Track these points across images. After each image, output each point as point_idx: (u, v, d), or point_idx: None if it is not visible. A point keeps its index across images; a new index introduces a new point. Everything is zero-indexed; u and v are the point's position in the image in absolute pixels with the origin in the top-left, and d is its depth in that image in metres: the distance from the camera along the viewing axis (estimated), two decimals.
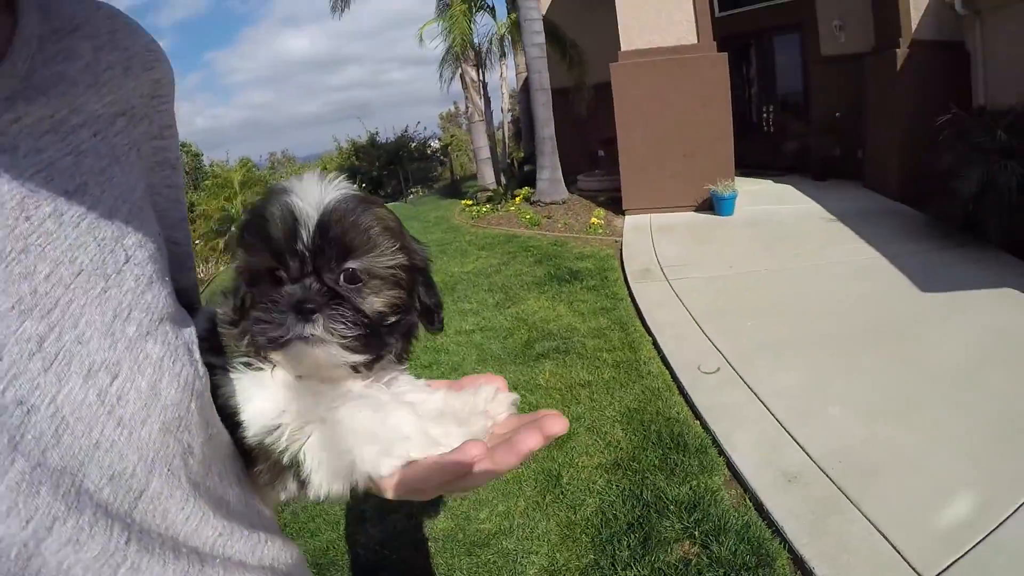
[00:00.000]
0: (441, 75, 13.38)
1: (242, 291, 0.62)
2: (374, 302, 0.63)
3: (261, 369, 0.61)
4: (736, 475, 3.24)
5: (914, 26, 8.22)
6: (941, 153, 6.77)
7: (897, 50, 8.24)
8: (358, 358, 0.61)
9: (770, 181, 10.64)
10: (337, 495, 0.60)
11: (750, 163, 11.28)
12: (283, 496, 0.66)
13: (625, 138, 9.07)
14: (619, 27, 9.00)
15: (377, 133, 21.13)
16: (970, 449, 3.14)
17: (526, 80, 11.61)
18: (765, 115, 12.57)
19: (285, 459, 0.59)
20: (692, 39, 8.82)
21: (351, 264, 0.61)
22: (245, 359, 0.62)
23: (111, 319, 0.43)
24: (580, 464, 3.56)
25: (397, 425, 0.60)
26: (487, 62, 13.39)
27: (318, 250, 0.59)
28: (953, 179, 6.31)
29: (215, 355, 0.61)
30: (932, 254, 6.19)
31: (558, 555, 2.92)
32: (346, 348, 0.60)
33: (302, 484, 0.61)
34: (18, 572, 0.34)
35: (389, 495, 0.62)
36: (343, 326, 0.59)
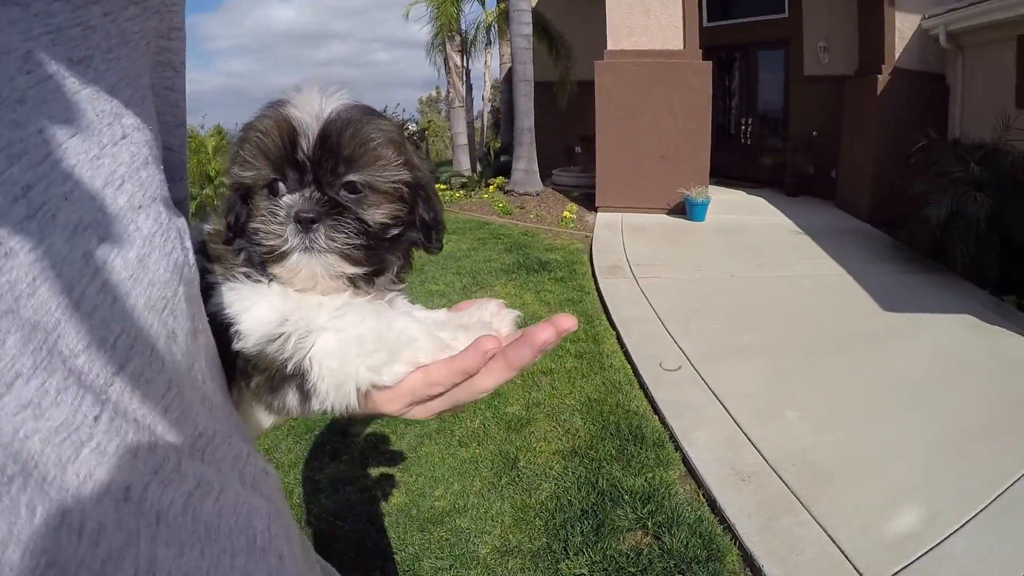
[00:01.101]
0: (430, 58, 13.32)
1: (237, 207, 0.61)
2: (375, 214, 0.61)
3: (259, 282, 0.60)
4: (691, 471, 3.28)
5: (897, 54, 8.43)
6: (914, 179, 6.95)
7: (879, 76, 8.42)
8: (358, 269, 0.60)
9: (744, 192, 10.81)
10: (341, 406, 0.59)
11: (725, 173, 11.47)
12: (272, 416, 0.65)
13: (604, 136, 9.11)
14: (607, 26, 9.03)
15: None
16: (921, 462, 3.23)
17: (510, 70, 11.57)
18: (744, 127, 12.73)
19: (289, 368, 0.57)
20: (678, 44, 8.89)
21: (352, 176, 0.60)
22: (242, 271, 0.60)
23: (102, 185, 0.41)
24: (537, 449, 3.58)
25: (404, 329, 0.59)
26: (472, 49, 13.33)
27: (318, 161, 0.58)
28: (924, 205, 6.48)
29: (206, 268, 0.60)
30: (897, 276, 6.35)
31: (511, 536, 2.93)
32: (346, 259, 0.59)
33: (304, 396, 0.59)
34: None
35: (394, 407, 0.60)
36: (343, 235, 0.58)
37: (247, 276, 0.60)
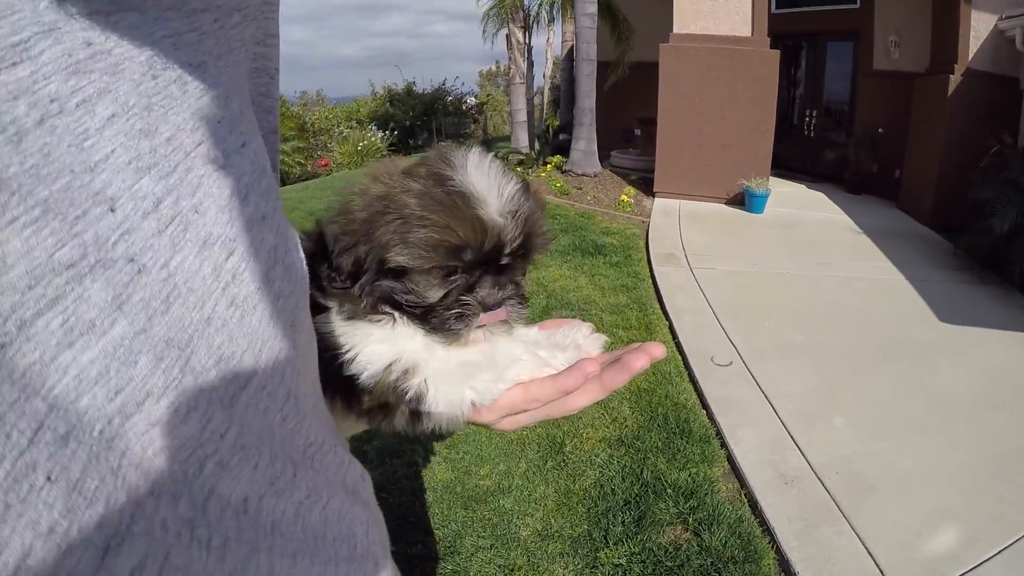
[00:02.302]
0: (484, 30, 13.25)
1: (370, 275, 0.62)
2: (526, 276, 0.70)
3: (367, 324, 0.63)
4: (735, 469, 3.31)
5: (971, 54, 8.09)
6: (979, 186, 6.71)
7: (950, 75, 8.11)
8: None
9: (804, 186, 10.58)
10: (450, 425, 0.64)
11: (786, 165, 11.20)
12: (361, 426, 0.69)
13: (665, 121, 8.97)
14: (674, 8, 8.85)
15: (414, 83, 21.01)
16: (963, 482, 3.19)
17: (571, 49, 11.45)
18: (808, 119, 12.37)
19: (409, 395, 0.61)
20: (746, 31, 8.68)
21: (528, 263, 0.67)
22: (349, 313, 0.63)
23: (229, 195, 0.39)
24: (585, 436, 3.63)
25: (508, 349, 0.64)
26: (535, 25, 13.21)
27: (501, 254, 0.62)
28: (988, 214, 6.27)
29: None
30: (955, 285, 6.19)
31: (553, 521, 3.00)
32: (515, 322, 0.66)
33: (415, 417, 0.63)
34: (102, 455, 0.31)
35: (490, 418, 0.64)
36: (518, 308, 0.66)
37: (351, 317, 0.63)
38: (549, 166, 10.43)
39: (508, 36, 12.55)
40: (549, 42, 14.74)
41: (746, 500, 3.11)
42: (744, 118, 8.70)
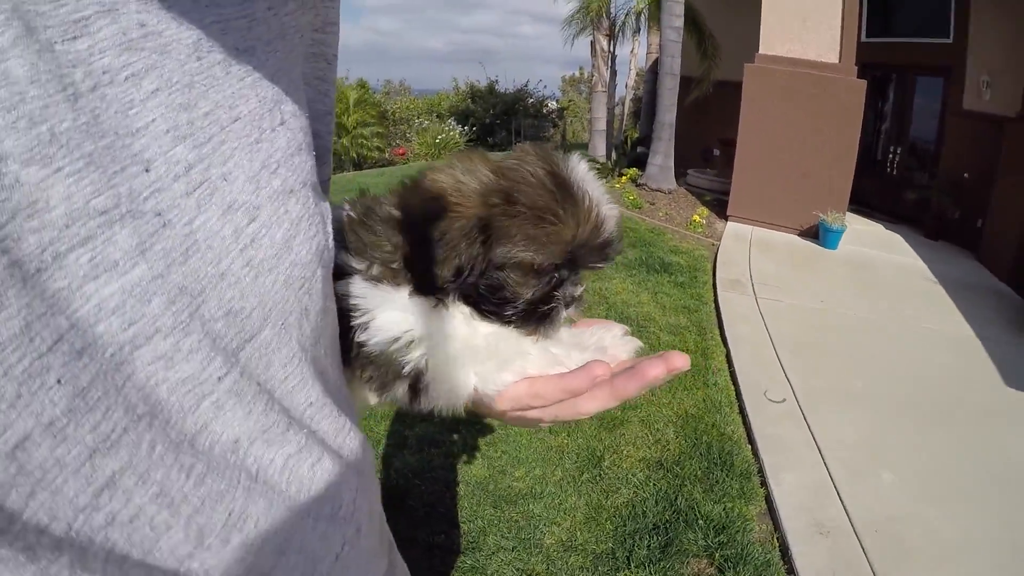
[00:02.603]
0: (571, 40, 13.24)
1: (475, 268, 0.60)
2: None
3: (395, 289, 0.61)
4: (772, 511, 3.22)
5: None
6: None
7: None
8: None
9: (881, 226, 10.16)
10: (448, 407, 0.64)
11: (864, 201, 10.76)
12: (377, 400, 0.69)
13: (745, 143, 8.78)
14: (761, 28, 8.62)
15: (497, 81, 21.21)
16: (1007, 562, 3.02)
17: (655, 61, 11.31)
18: (891, 156, 11.80)
19: (406, 370, 0.61)
20: (833, 58, 8.40)
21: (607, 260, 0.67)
22: (376, 274, 0.61)
23: (259, 168, 0.44)
24: (625, 452, 3.61)
25: (519, 342, 0.63)
26: (620, 34, 13.12)
27: (602, 254, 0.64)
28: None
29: (339, 253, 0.61)
30: None
31: (579, 533, 3.00)
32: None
33: (415, 394, 0.63)
34: (109, 373, 0.35)
35: (497, 409, 0.64)
36: (579, 306, 0.67)
37: (376, 281, 0.61)
38: (624, 178, 10.37)
39: (592, 43, 12.53)
40: (633, 52, 14.62)
41: (777, 544, 3.03)
42: (825, 148, 8.43)
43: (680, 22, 9.54)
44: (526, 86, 21.13)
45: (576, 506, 3.18)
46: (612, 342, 0.68)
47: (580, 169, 0.63)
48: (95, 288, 0.34)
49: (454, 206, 0.60)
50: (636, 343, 0.69)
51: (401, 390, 0.64)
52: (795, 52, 8.51)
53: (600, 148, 12.26)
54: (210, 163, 0.40)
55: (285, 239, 0.46)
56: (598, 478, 3.39)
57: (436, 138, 18.20)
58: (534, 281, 0.62)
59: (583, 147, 14.10)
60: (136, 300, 0.36)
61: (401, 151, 17.63)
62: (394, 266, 0.61)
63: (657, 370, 0.58)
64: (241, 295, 0.42)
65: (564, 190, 0.61)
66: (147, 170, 0.37)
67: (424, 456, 3.56)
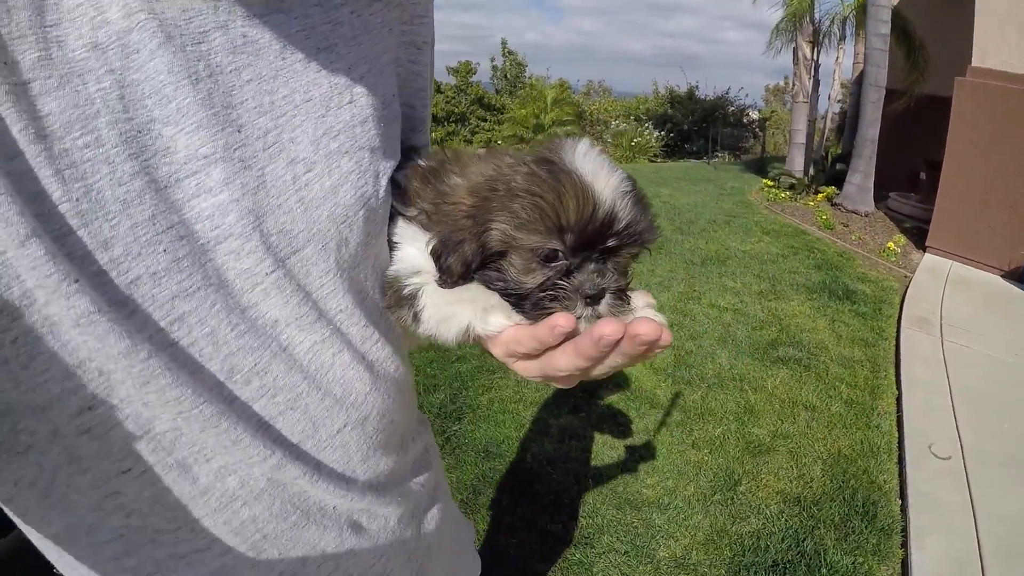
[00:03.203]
0: (771, 43, 12.52)
1: (475, 257, 0.62)
2: (627, 271, 0.67)
3: (423, 232, 0.66)
4: None
5: None
6: None
7: None
8: None
9: None
10: (446, 337, 0.66)
11: None
12: (413, 328, 0.70)
13: (952, 167, 7.80)
14: (974, 38, 7.62)
15: (697, 87, 20.70)
16: None
17: (861, 72, 10.39)
18: None
19: (406, 291, 0.67)
20: None
21: (631, 251, 0.65)
22: (414, 218, 0.68)
23: (321, 134, 0.59)
24: (763, 481, 3.46)
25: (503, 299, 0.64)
26: (824, 41, 12.24)
27: (608, 237, 0.61)
28: None
29: (397, 200, 0.69)
30: None
31: (694, 553, 2.92)
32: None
33: (415, 319, 0.67)
34: (197, 254, 0.51)
35: (496, 352, 0.66)
36: (617, 302, 0.62)
37: (410, 220, 0.68)
38: (820, 196, 9.77)
39: (795, 49, 11.85)
40: (838, 62, 13.61)
41: None
42: None
43: (887, 29, 8.75)
44: (727, 93, 20.47)
45: (699, 525, 3.09)
46: (606, 306, 0.64)
47: (579, 150, 0.62)
48: (197, 202, 0.51)
49: (454, 206, 0.64)
50: (656, 317, 0.62)
51: (407, 314, 0.68)
52: (1013, 66, 7.40)
53: (798, 162, 11.58)
54: (282, 130, 0.56)
55: (333, 186, 0.60)
56: (730, 501, 3.28)
57: (632, 141, 18.13)
58: (537, 268, 0.62)
59: (781, 161, 13.42)
60: (220, 213, 0.52)
61: None
62: (432, 216, 0.66)
63: (608, 328, 0.54)
64: (292, 221, 0.57)
65: (548, 170, 0.60)
66: (239, 131, 0.53)
67: (562, 446, 3.64)
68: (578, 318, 0.59)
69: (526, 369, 0.65)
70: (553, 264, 0.62)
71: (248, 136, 0.54)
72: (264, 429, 0.58)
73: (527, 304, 0.62)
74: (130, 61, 0.47)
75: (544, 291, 0.61)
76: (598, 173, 0.61)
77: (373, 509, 0.74)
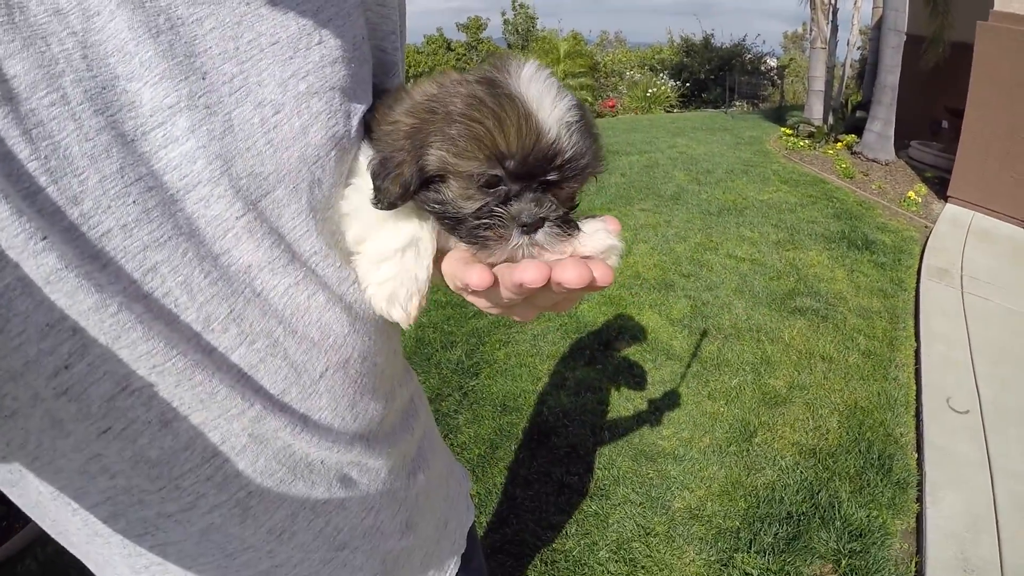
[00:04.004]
0: None
1: (413, 180, 0.61)
2: (574, 200, 0.66)
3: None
4: (919, 531, 2.92)
5: None
6: None
7: None
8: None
9: None
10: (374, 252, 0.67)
11: None
12: None
13: (974, 115, 7.55)
14: None
15: (712, 35, 20.21)
16: None
17: (880, 17, 10.01)
18: None
19: (344, 209, 0.67)
20: None
21: (575, 184, 0.63)
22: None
23: (288, 76, 0.58)
24: (779, 433, 3.48)
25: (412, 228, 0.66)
26: None
27: (549, 167, 0.59)
28: None
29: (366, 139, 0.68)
30: None
31: (709, 504, 2.97)
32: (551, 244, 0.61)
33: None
34: (167, 204, 0.51)
35: (441, 271, 0.67)
36: (557, 231, 0.60)
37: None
38: (840, 144, 9.56)
39: None
40: (857, 6, 13.18)
41: (914, 570, 2.73)
42: None
43: None
44: (743, 41, 19.89)
45: (714, 476, 3.14)
46: (581, 236, 0.62)
47: (525, 73, 0.60)
48: (164, 153, 0.51)
49: (394, 124, 0.63)
50: (608, 241, 0.61)
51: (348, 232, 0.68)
52: None
53: (816, 110, 11.27)
54: (248, 74, 0.56)
55: (303, 127, 0.59)
56: (745, 453, 3.31)
57: (647, 91, 17.77)
58: (475, 194, 0.60)
59: (800, 109, 13.12)
60: (188, 161, 0.52)
61: (611, 103, 17.40)
62: (375, 137, 0.66)
63: (529, 275, 0.54)
64: (261, 163, 0.57)
65: (491, 92, 0.59)
66: (203, 78, 0.53)
67: (579, 399, 3.68)
68: (513, 246, 0.59)
69: (470, 302, 0.67)
70: (492, 190, 0.60)
71: (213, 83, 0.54)
72: (244, 380, 0.58)
73: (463, 229, 0.61)
74: (91, 23, 0.48)
75: (480, 218, 0.60)
76: (543, 100, 0.58)
77: (363, 461, 0.75)
